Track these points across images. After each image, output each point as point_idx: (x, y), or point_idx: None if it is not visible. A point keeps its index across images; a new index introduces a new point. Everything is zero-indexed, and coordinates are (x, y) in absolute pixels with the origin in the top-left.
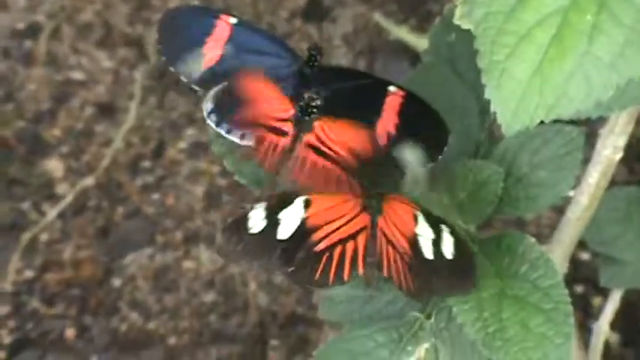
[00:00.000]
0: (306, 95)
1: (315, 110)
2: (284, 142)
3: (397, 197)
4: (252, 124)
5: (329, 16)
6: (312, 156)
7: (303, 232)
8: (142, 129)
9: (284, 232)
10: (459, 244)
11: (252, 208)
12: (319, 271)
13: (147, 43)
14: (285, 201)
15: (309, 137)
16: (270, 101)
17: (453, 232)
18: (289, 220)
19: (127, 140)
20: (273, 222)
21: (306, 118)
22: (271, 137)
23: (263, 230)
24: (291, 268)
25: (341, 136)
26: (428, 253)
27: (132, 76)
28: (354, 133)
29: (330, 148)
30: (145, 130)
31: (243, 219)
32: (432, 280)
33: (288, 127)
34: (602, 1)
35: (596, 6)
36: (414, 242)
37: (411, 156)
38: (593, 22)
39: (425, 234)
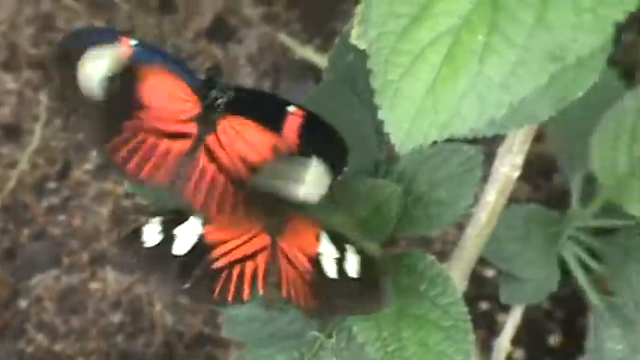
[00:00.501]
0: (213, 92)
1: (220, 107)
2: (182, 145)
3: (298, 217)
4: (143, 131)
5: (234, 36)
6: (211, 167)
7: (202, 248)
8: (47, 150)
9: (180, 247)
10: (365, 263)
11: (147, 222)
12: (217, 290)
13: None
14: (182, 216)
15: (210, 139)
16: (173, 101)
17: (359, 251)
18: (185, 236)
19: (33, 162)
20: (168, 237)
21: (212, 116)
22: (166, 144)
23: (158, 245)
24: (188, 285)
25: (245, 139)
26: (331, 272)
27: (37, 97)
28: (260, 137)
29: (229, 156)
30: (51, 151)
31: (138, 232)
32: (334, 300)
33: (191, 128)
34: (493, 21)
35: (487, 26)
36: (316, 261)
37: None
38: (484, 42)
39: (328, 253)
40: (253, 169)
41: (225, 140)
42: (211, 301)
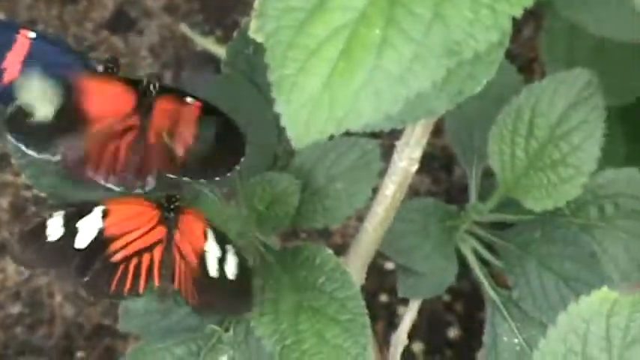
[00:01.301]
0: (144, 78)
1: (154, 90)
2: (127, 138)
3: (192, 211)
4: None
5: (135, 27)
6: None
7: (101, 242)
8: None
9: (81, 241)
10: (241, 266)
11: (50, 216)
12: (114, 283)
13: None
14: (84, 210)
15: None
16: (111, 99)
17: (237, 253)
18: (87, 230)
19: None
20: (71, 231)
21: (147, 101)
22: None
23: (60, 239)
24: (87, 278)
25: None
26: (213, 270)
27: None
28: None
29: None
30: None
31: (41, 227)
32: (212, 298)
33: (134, 120)
34: (390, 15)
35: (384, 20)
36: (202, 258)
37: (206, 167)
38: (381, 36)
39: (212, 251)
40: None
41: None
42: (109, 294)
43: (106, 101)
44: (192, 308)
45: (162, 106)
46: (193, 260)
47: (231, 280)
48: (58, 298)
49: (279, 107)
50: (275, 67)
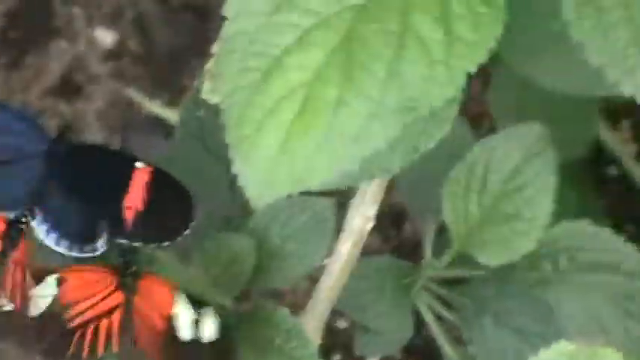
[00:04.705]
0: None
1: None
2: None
3: (153, 276)
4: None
5: (82, 93)
6: None
7: (57, 308)
8: None
9: (35, 309)
10: (220, 327)
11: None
12: (72, 348)
13: None
14: (37, 277)
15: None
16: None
17: (215, 315)
18: (41, 297)
19: None
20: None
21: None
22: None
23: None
24: (44, 346)
25: None
26: (185, 334)
27: None
28: None
29: None
30: None
31: None
32: None
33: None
34: (346, 74)
35: (340, 79)
36: (170, 322)
37: (158, 232)
38: (337, 96)
39: (183, 314)
40: None
41: None
42: None
43: None
44: None
45: None
46: (159, 324)
47: (207, 343)
48: None
49: (236, 167)
50: (232, 127)
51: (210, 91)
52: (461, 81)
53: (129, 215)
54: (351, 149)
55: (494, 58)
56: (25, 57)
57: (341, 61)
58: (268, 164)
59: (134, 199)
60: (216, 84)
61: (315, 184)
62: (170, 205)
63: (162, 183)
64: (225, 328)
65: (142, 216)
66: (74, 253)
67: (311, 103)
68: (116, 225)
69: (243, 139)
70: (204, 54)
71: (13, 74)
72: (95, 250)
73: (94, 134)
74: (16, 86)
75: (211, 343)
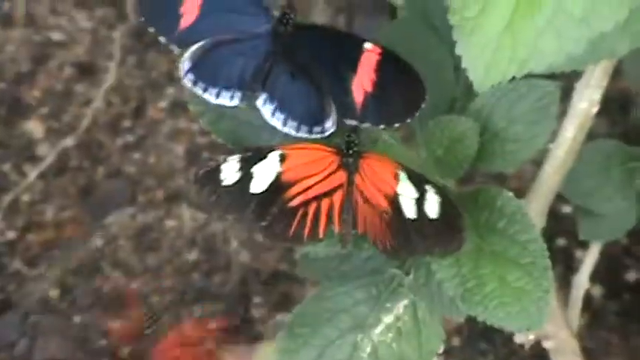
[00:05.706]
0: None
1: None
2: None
3: (376, 155)
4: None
5: None
6: None
7: (278, 186)
8: (121, 89)
9: (257, 186)
10: (445, 204)
11: (224, 161)
12: (293, 227)
13: (125, 2)
14: (260, 155)
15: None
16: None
17: (438, 192)
18: (263, 174)
19: (107, 100)
20: (246, 175)
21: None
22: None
23: (236, 183)
24: (265, 223)
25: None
26: (410, 212)
27: (111, 35)
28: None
29: None
30: (125, 89)
31: (216, 171)
32: (412, 240)
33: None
34: None
35: None
36: (394, 201)
37: (387, 114)
38: None
39: (407, 193)
40: None
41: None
42: (288, 239)
43: None
44: (384, 252)
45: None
46: (382, 204)
47: (435, 219)
48: (234, 244)
49: (460, 50)
50: (456, 9)
51: None
52: None
53: (358, 97)
54: (576, 31)
55: None
56: None
57: None
58: (492, 47)
59: (363, 80)
60: None
61: (540, 67)
62: (400, 87)
63: (391, 64)
64: (448, 206)
65: (372, 97)
66: (302, 134)
67: None
68: (344, 106)
69: (467, 21)
70: None
71: None
72: (324, 131)
73: (319, 15)
74: None
75: (435, 221)
